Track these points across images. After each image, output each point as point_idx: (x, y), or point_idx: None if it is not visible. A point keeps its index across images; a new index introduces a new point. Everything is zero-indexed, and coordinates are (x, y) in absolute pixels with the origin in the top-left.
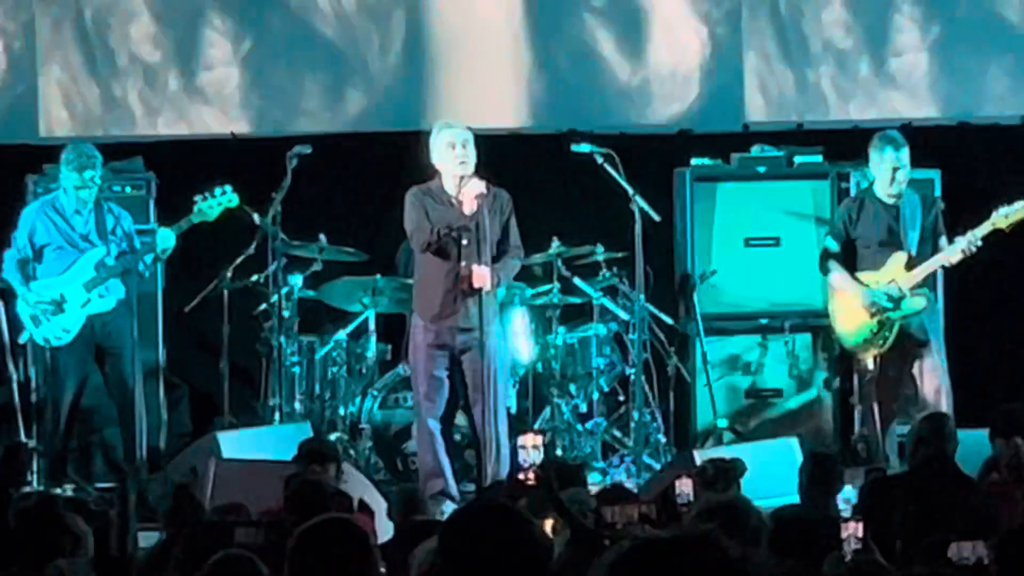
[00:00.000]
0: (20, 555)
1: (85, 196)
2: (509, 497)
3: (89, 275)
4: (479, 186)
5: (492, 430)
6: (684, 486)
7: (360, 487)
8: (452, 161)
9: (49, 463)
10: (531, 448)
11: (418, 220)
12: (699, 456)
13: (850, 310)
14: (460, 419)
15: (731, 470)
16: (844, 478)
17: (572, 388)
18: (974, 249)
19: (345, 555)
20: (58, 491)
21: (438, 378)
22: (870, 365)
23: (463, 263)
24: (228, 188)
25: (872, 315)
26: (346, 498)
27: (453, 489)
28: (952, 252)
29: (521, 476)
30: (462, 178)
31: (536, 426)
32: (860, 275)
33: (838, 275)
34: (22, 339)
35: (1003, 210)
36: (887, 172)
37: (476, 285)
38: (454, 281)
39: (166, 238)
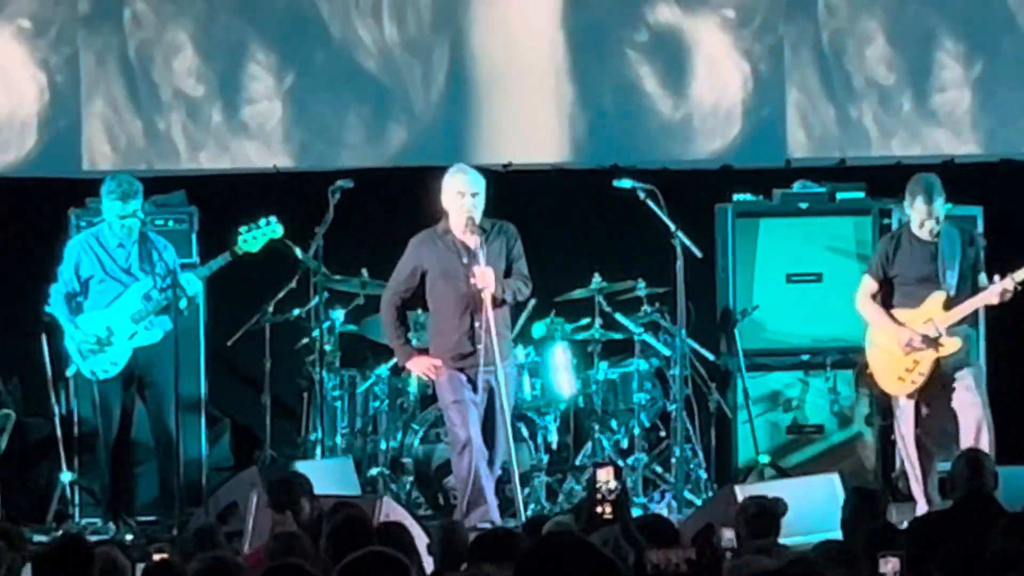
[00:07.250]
0: None
1: (129, 226)
2: (585, 530)
3: (136, 307)
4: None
5: (497, 469)
6: (728, 533)
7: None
8: (458, 210)
9: (102, 500)
10: (607, 481)
11: (397, 277)
12: (741, 492)
13: (885, 348)
14: None
15: (774, 510)
16: (889, 515)
17: (613, 423)
18: (1012, 292)
19: None
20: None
21: (466, 403)
22: (902, 403)
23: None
24: (273, 219)
25: (907, 354)
26: (397, 528)
27: (496, 517)
28: (991, 294)
29: (599, 509)
30: (469, 220)
31: (577, 462)
32: (897, 313)
33: (873, 312)
34: (69, 372)
35: None
36: (917, 220)
37: (479, 286)
38: (469, 324)
39: (191, 283)
